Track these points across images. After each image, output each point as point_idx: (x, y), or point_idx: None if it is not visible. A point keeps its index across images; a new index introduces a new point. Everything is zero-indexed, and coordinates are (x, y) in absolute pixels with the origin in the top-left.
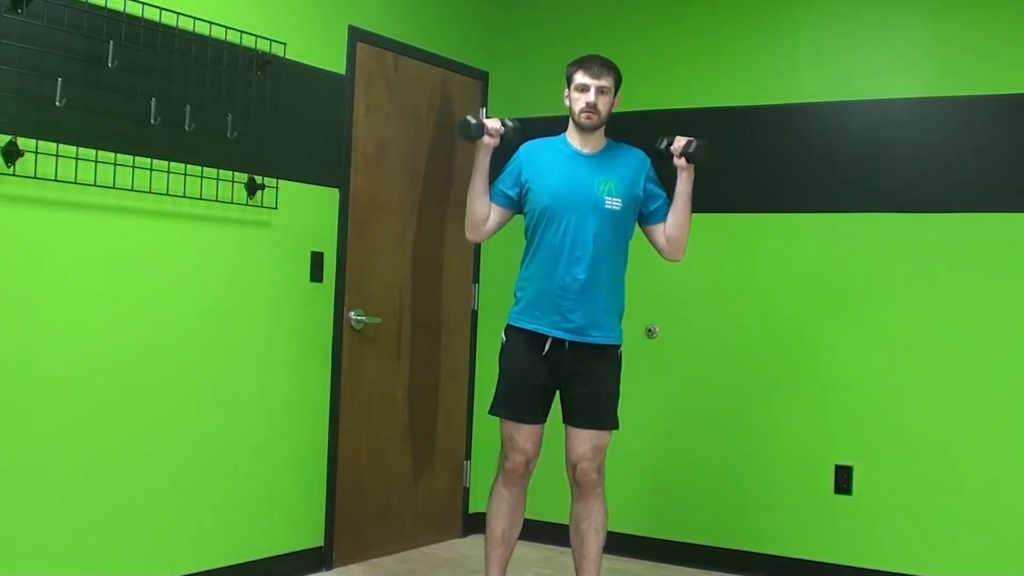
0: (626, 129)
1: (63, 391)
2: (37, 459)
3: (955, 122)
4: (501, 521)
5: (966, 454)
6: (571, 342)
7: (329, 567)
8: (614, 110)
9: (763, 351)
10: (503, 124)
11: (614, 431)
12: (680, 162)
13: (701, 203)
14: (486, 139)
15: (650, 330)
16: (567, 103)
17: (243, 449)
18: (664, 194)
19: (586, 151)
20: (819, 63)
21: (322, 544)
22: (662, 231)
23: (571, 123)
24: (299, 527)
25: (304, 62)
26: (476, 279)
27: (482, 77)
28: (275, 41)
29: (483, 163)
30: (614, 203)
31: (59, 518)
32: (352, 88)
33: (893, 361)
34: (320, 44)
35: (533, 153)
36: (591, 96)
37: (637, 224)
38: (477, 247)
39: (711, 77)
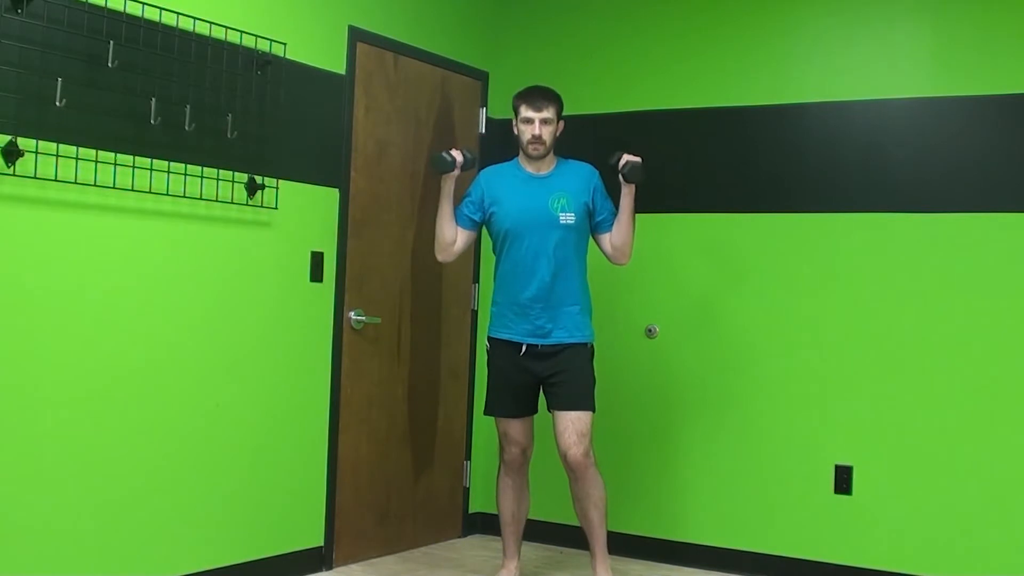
0: (626, 130)
1: (62, 391)
2: (36, 459)
3: (955, 122)
4: (509, 505)
5: (966, 454)
6: (542, 344)
7: (329, 567)
8: (558, 134)
9: (763, 351)
10: (463, 156)
11: (594, 414)
12: (621, 179)
13: (700, 204)
14: (456, 171)
15: (650, 330)
16: (515, 132)
17: (243, 449)
18: (611, 206)
19: (540, 173)
20: (818, 63)
21: (322, 544)
22: (608, 239)
23: (521, 150)
24: (299, 527)
25: (304, 62)
26: (476, 279)
27: (482, 77)
28: (275, 41)
29: (450, 191)
30: (568, 218)
31: (58, 518)
32: (352, 88)
33: (893, 361)
34: (320, 44)
35: (492, 180)
36: (536, 128)
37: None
38: (477, 248)
39: (709, 77)
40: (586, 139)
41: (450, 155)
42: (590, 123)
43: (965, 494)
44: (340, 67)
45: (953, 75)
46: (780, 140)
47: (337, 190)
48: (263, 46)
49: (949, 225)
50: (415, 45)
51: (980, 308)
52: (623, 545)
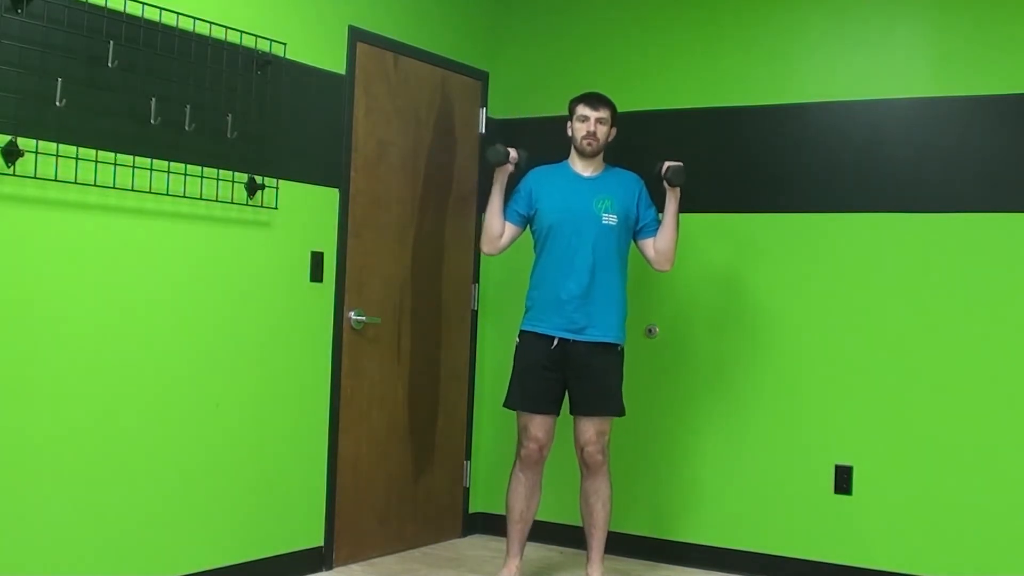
0: (626, 130)
1: (62, 390)
2: (36, 459)
3: (955, 122)
4: (519, 502)
5: (966, 454)
6: (575, 340)
7: (329, 567)
8: (610, 139)
9: (763, 351)
10: (519, 154)
11: (618, 417)
12: (665, 184)
13: (702, 204)
14: (508, 166)
15: (650, 330)
16: (570, 132)
17: (243, 449)
18: (654, 213)
19: (587, 174)
20: (818, 63)
21: (322, 544)
22: (652, 244)
23: (573, 150)
24: (299, 527)
25: (304, 62)
26: (476, 279)
27: (482, 77)
28: (275, 41)
29: (502, 185)
30: (610, 219)
31: (58, 518)
32: (352, 88)
33: (893, 361)
34: (320, 44)
35: (541, 178)
36: (591, 125)
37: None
38: (476, 247)
39: (710, 77)
40: None
41: (505, 148)
42: None
43: (965, 494)
44: (340, 67)
45: (953, 75)
46: (780, 140)
47: (337, 190)
48: (263, 46)
49: (949, 225)
50: (415, 45)
51: (980, 308)
52: (623, 545)
